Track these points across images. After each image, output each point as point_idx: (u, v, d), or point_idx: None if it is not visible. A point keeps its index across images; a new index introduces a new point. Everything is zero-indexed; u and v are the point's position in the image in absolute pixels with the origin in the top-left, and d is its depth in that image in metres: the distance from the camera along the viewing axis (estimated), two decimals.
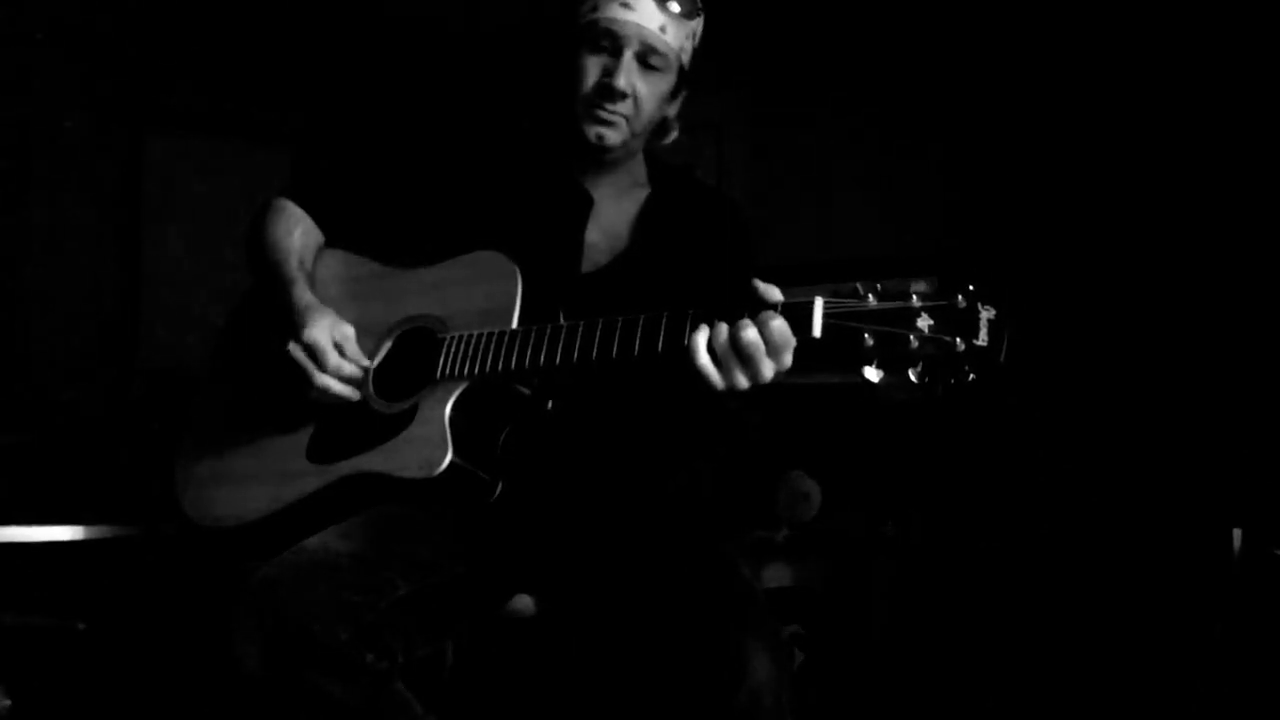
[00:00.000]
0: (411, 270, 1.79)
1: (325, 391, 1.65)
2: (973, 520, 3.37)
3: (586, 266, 1.79)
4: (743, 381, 1.44)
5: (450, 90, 4.80)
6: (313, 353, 1.65)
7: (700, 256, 1.81)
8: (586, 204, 1.81)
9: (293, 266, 1.76)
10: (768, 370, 1.44)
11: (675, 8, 1.73)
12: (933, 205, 3.96)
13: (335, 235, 1.86)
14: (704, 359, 1.43)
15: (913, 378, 1.39)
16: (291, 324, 1.68)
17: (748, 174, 4.26)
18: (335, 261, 1.85)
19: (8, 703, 2.80)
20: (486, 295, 1.66)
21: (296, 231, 1.81)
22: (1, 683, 2.82)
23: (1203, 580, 3.01)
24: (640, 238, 1.82)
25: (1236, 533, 2.98)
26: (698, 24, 1.79)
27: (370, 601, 1.51)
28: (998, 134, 3.89)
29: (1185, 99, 3.61)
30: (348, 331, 1.69)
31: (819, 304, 1.41)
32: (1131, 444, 3.24)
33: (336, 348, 1.67)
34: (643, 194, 1.86)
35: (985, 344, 1.36)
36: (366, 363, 1.69)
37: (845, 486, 3.65)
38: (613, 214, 1.83)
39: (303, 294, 1.72)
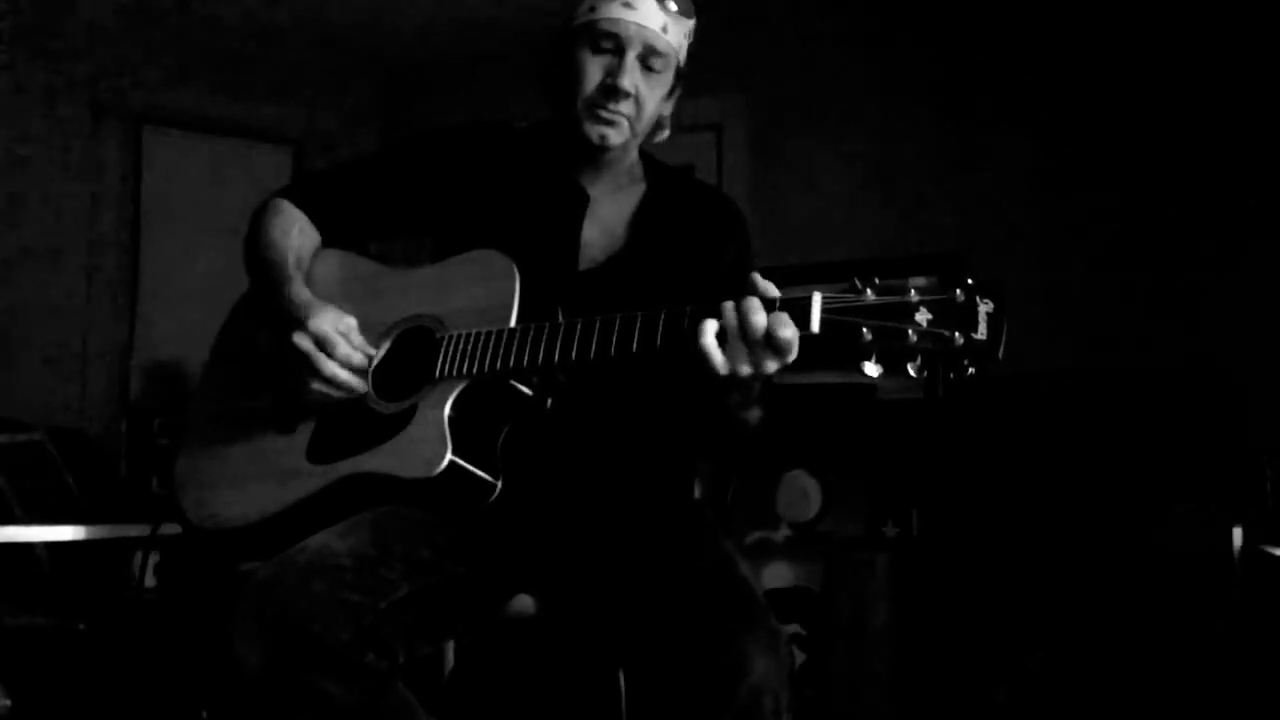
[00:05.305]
0: (409, 270, 1.79)
1: (334, 379, 1.65)
2: (973, 520, 3.37)
3: (584, 264, 1.79)
4: (745, 368, 1.44)
5: (447, 89, 4.80)
6: (320, 342, 1.65)
7: (697, 253, 1.81)
8: (583, 201, 1.81)
9: (290, 265, 1.76)
10: (771, 362, 1.44)
11: (674, 6, 1.73)
12: (932, 206, 3.96)
13: (332, 235, 1.86)
14: (708, 339, 1.43)
15: (911, 372, 1.38)
16: (294, 319, 1.67)
17: (748, 174, 4.26)
18: (332, 261, 1.85)
19: (8, 703, 2.80)
20: (485, 294, 1.66)
21: (293, 231, 1.81)
22: (1, 683, 2.82)
23: (1203, 578, 3.01)
24: (637, 235, 1.82)
25: (1236, 532, 2.98)
26: (694, 23, 1.79)
27: (370, 601, 1.51)
28: (998, 135, 3.89)
29: (1180, 97, 3.61)
30: (351, 322, 1.68)
31: (817, 299, 1.41)
32: (1132, 443, 3.24)
33: (342, 337, 1.66)
34: (639, 191, 1.86)
35: (984, 338, 1.35)
36: (372, 351, 1.68)
37: (845, 486, 3.65)
38: (609, 211, 1.83)
39: (301, 291, 1.72)
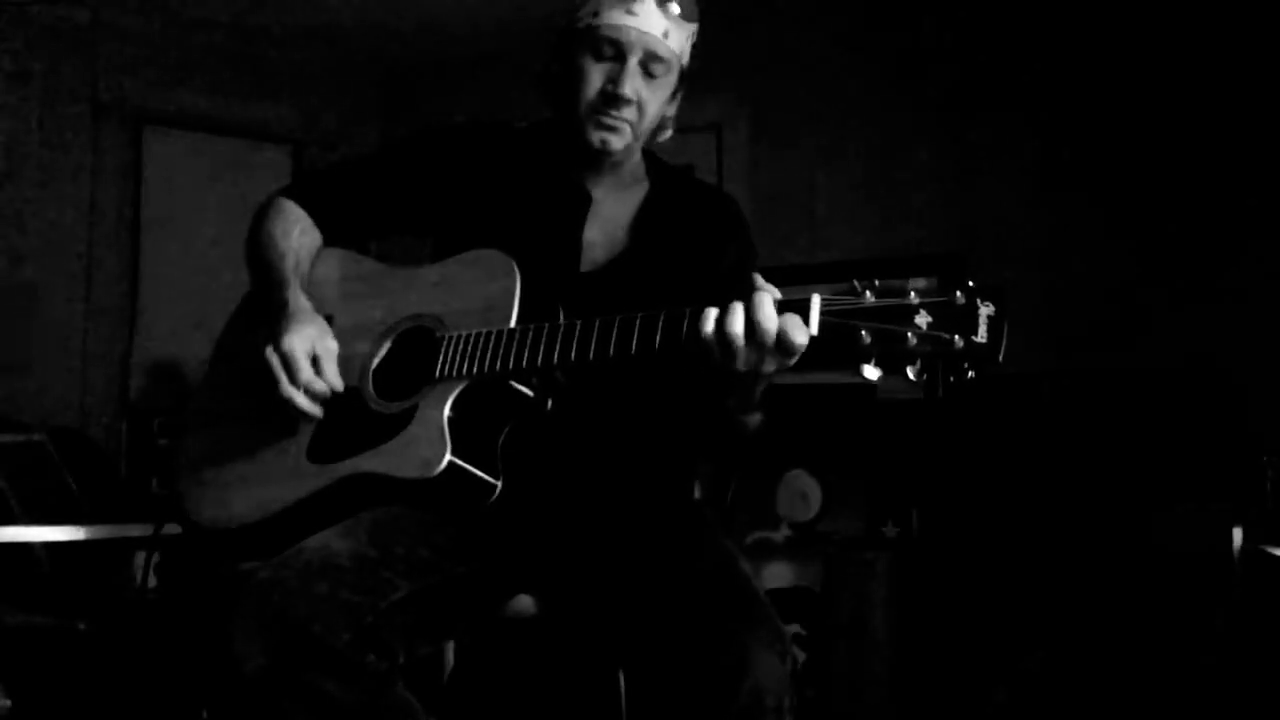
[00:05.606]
0: (411, 269, 1.79)
1: (289, 402, 1.64)
2: (973, 520, 3.37)
3: (586, 265, 1.79)
4: (744, 366, 1.44)
5: (447, 89, 4.80)
6: (286, 362, 1.64)
7: (698, 255, 1.81)
8: (585, 202, 1.81)
9: (288, 267, 1.76)
10: (771, 362, 1.44)
11: (676, 10, 1.72)
12: (932, 206, 3.96)
13: (334, 235, 1.86)
14: (708, 332, 1.44)
15: (911, 375, 1.38)
16: (274, 329, 1.67)
17: (748, 174, 4.26)
18: (334, 261, 1.85)
19: (8, 703, 2.80)
20: (486, 294, 1.65)
21: (294, 231, 1.81)
22: (1, 683, 2.82)
23: (1203, 578, 3.01)
24: (639, 236, 1.82)
25: (1236, 532, 2.98)
26: (696, 25, 1.78)
27: (370, 602, 1.51)
28: (998, 135, 3.89)
29: (1180, 97, 3.61)
30: (330, 346, 1.68)
31: (816, 301, 1.40)
32: (1132, 443, 3.24)
33: (314, 361, 1.66)
34: (641, 191, 1.86)
35: (984, 341, 1.35)
36: (339, 385, 1.67)
37: (845, 486, 3.65)
38: (611, 212, 1.83)
39: (295, 297, 1.71)
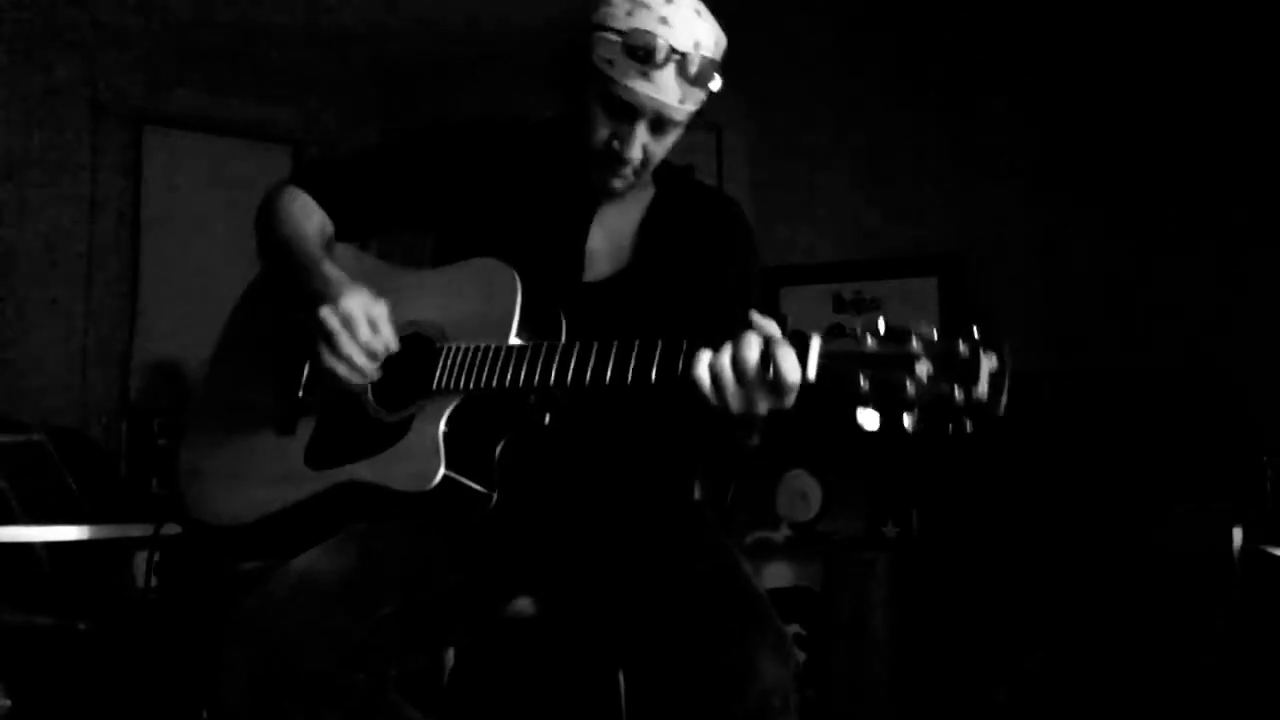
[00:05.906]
0: (415, 272, 1.78)
1: (350, 360, 1.60)
2: (973, 520, 3.37)
3: (590, 275, 1.77)
4: (739, 406, 1.42)
5: (447, 89, 4.80)
6: (346, 321, 1.60)
7: (702, 264, 1.79)
8: (589, 210, 1.80)
9: (318, 245, 1.74)
10: (764, 403, 1.42)
11: (694, 72, 1.68)
12: (932, 206, 3.96)
13: (345, 230, 1.84)
14: (701, 370, 1.43)
15: (908, 425, 1.36)
16: (324, 295, 1.62)
17: (748, 174, 4.26)
18: (341, 257, 1.84)
19: (8, 703, 2.80)
20: (486, 303, 1.64)
21: (314, 218, 1.79)
22: (1, 683, 2.82)
23: (1203, 578, 3.01)
24: (643, 246, 1.80)
25: (1236, 532, 2.98)
26: (714, 85, 1.74)
27: (359, 622, 1.49)
28: (997, 135, 3.89)
29: (1181, 96, 3.61)
30: (382, 310, 1.63)
31: (815, 345, 1.38)
32: (1132, 443, 3.24)
33: (369, 323, 1.62)
34: (646, 197, 1.84)
35: (985, 397, 1.33)
36: (395, 346, 1.64)
37: (845, 486, 3.65)
38: (615, 220, 1.81)
39: (333, 269, 1.68)
